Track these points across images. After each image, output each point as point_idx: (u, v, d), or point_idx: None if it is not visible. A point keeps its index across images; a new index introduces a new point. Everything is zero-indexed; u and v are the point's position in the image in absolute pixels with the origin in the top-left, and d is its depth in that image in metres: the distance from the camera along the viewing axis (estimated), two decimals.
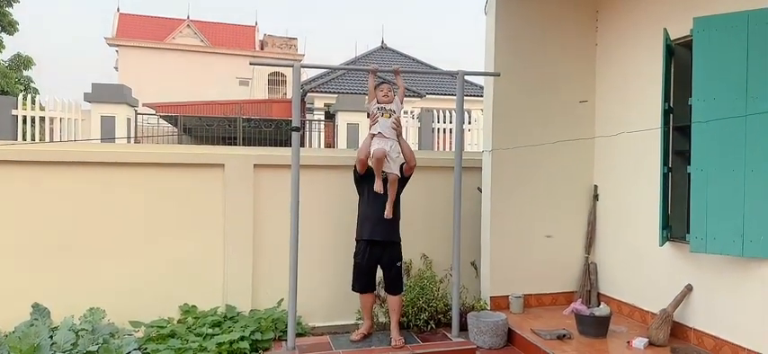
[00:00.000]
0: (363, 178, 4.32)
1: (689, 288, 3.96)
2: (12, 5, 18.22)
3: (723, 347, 3.69)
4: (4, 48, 18.27)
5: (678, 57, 4.08)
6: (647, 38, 4.40)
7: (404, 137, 4.53)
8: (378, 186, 4.17)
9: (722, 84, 3.54)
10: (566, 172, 5.03)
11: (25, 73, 19.26)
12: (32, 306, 4.13)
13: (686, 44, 3.96)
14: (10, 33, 18.36)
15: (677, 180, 4.08)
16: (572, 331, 4.17)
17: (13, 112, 10.08)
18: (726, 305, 3.69)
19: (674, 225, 4.10)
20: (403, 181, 4.38)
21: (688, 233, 3.81)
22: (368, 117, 4.42)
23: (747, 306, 3.52)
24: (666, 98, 4.01)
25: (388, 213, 4.21)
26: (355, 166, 4.32)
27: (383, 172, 4.17)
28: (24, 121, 10.22)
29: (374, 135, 4.20)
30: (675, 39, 4.05)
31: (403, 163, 4.29)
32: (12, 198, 4.23)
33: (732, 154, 3.49)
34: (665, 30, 4.00)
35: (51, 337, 3.81)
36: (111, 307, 4.24)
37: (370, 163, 4.30)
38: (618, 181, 4.80)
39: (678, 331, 4.02)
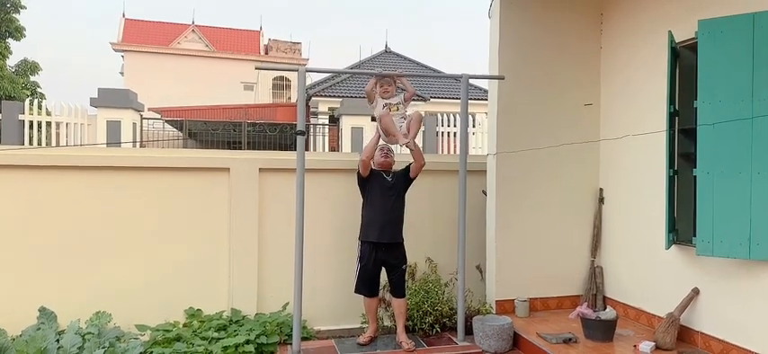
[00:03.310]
0: (368, 180, 4.32)
1: (696, 292, 3.94)
2: (18, 11, 18.36)
3: (730, 351, 3.66)
4: (11, 53, 18.41)
5: (683, 59, 4.07)
6: (652, 40, 4.39)
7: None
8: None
9: (728, 87, 3.53)
10: (571, 175, 5.02)
11: (32, 78, 19.40)
12: (39, 310, 4.16)
13: (691, 47, 3.95)
14: (17, 39, 18.49)
15: (683, 182, 4.06)
16: (578, 334, 4.15)
17: (20, 117, 10.16)
18: (733, 309, 3.67)
19: (681, 228, 4.08)
20: (408, 182, 4.39)
21: (694, 236, 3.79)
22: (372, 120, 4.43)
23: (755, 310, 3.50)
24: (672, 101, 4.00)
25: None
26: (358, 169, 4.33)
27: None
28: (31, 126, 10.29)
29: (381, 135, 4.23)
30: (680, 42, 4.04)
31: (411, 163, 4.34)
32: (19, 202, 4.26)
33: (739, 157, 3.47)
34: (669, 32, 3.99)
35: (58, 341, 3.83)
36: (117, 311, 4.27)
37: (373, 166, 4.31)
38: (624, 184, 4.78)
39: (685, 334, 4.00)
